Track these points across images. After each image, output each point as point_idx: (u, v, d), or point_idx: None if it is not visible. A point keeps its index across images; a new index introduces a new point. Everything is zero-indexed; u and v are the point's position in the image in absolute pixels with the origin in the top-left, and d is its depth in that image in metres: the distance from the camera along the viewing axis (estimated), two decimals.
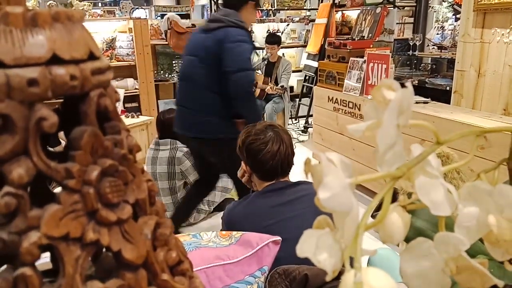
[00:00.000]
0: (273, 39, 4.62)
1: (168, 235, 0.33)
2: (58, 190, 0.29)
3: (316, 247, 0.26)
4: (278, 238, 1.03)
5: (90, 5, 4.46)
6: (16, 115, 0.26)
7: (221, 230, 1.25)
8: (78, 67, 0.28)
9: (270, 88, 4.43)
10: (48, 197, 0.32)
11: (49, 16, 0.27)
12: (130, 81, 4.30)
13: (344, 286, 0.24)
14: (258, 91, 4.67)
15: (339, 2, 5.53)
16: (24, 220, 0.26)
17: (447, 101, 3.22)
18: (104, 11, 5.03)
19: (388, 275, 0.24)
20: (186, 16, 7.30)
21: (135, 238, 0.29)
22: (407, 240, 0.30)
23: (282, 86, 4.43)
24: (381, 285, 0.24)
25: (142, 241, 0.30)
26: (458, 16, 4.29)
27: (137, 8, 4.96)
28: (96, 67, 0.29)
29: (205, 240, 1.02)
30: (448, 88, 3.58)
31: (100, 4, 10.76)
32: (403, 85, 0.27)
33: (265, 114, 4.53)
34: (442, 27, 4.65)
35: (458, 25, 3.74)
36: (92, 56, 0.30)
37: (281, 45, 4.80)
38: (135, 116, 4.14)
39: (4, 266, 0.29)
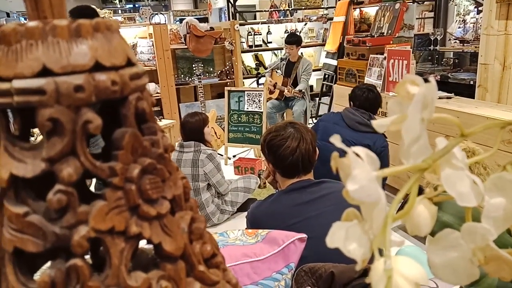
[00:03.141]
0: (291, 39, 4.61)
1: (203, 229, 0.35)
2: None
3: (345, 238, 0.27)
4: (304, 235, 1.04)
5: (111, 13, 4.58)
6: (64, 119, 0.28)
7: (246, 228, 1.27)
8: (118, 73, 0.30)
9: (288, 91, 4.43)
10: (85, 194, 0.34)
11: (91, 26, 0.30)
12: (151, 86, 4.39)
13: (375, 273, 0.25)
14: (277, 92, 4.67)
15: None
16: (74, 215, 0.28)
17: (471, 96, 3.15)
18: (124, 18, 5.15)
19: (418, 263, 0.25)
20: (204, 20, 7.38)
21: (174, 231, 0.31)
22: (434, 234, 0.31)
23: (300, 91, 4.41)
24: (411, 273, 0.25)
25: (180, 235, 0.32)
26: (480, 8, 4.18)
27: (156, 13, 5.06)
28: (134, 73, 0.31)
29: (232, 238, 1.04)
30: (471, 82, 3.50)
31: (120, 11, 11.01)
32: (426, 80, 0.28)
33: (292, 117, 4.55)
34: (464, 21, 4.55)
35: (481, 17, 3.65)
36: (129, 63, 0.32)
37: (301, 45, 4.78)
38: (158, 120, 4.21)
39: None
